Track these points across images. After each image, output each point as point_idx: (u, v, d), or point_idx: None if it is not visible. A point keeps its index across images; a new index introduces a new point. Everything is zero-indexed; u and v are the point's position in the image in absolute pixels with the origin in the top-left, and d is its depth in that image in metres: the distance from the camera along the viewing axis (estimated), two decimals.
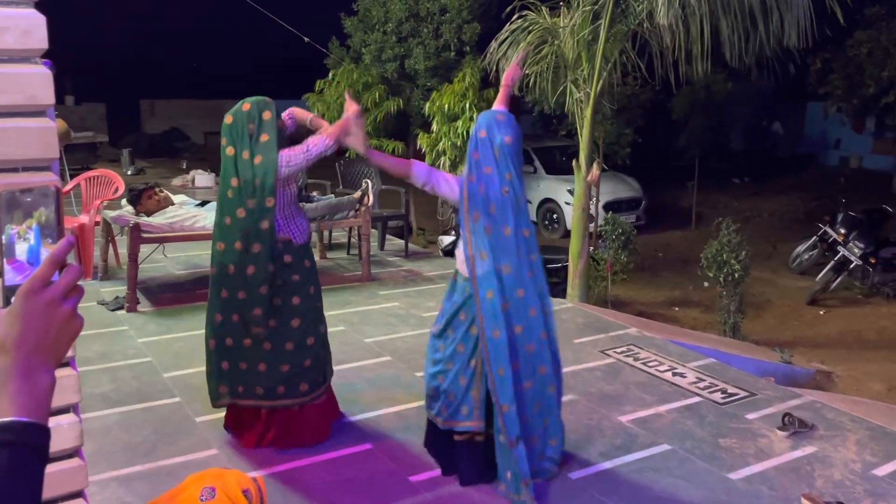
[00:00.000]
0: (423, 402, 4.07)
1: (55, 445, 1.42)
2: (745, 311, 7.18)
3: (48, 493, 1.40)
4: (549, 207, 12.58)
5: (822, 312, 8.57)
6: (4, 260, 0.85)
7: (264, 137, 3.29)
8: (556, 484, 3.26)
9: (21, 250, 0.86)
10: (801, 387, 5.22)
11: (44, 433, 0.81)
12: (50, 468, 1.43)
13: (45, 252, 0.84)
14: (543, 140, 13.75)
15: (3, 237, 0.85)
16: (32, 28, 1.21)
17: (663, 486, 3.27)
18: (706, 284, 7.47)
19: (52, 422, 1.40)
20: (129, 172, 13.74)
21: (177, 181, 12.24)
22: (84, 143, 11.87)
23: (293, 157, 3.31)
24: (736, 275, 6.85)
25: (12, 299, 0.82)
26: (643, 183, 13.21)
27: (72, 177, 7.18)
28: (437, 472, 3.34)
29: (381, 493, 3.18)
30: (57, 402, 1.39)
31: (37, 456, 0.79)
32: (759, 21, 5.56)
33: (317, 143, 3.35)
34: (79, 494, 1.44)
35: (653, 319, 7.43)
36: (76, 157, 11.68)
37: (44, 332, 0.81)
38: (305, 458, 3.42)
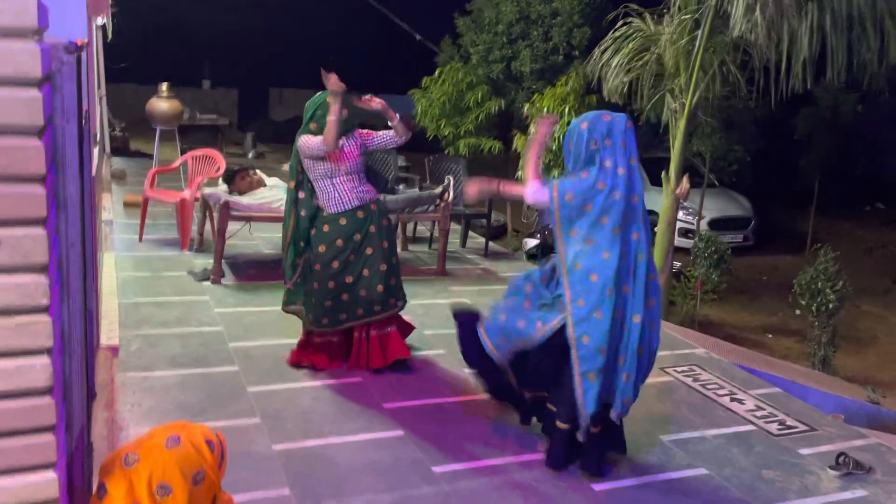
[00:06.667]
0: (465, 398, 4.14)
1: (29, 383, 1.58)
2: (838, 345, 6.75)
3: (19, 424, 1.57)
4: (652, 220, 12.23)
5: None
6: None
7: None
8: (576, 496, 3.22)
9: None
10: (888, 431, 4.86)
11: None
12: (23, 403, 1.60)
13: None
14: (648, 150, 13.39)
15: None
16: (24, 9, 1.40)
17: None
18: (798, 312, 7.08)
19: (25, 362, 1.56)
20: (249, 156, 14.46)
21: (287, 167, 12.79)
22: (207, 124, 12.58)
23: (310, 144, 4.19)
24: (830, 305, 6.46)
25: None
26: (757, 202, 12.60)
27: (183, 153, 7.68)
28: (463, 465, 3.38)
29: (401, 479, 3.25)
30: (29, 344, 1.55)
31: None
32: (872, 37, 5.22)
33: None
34: (49, 429, 1.59)
35: (740, 344, 7.11)
36: (198, 136, 12.42)
37: None
38: (334, 437, 3.54)
